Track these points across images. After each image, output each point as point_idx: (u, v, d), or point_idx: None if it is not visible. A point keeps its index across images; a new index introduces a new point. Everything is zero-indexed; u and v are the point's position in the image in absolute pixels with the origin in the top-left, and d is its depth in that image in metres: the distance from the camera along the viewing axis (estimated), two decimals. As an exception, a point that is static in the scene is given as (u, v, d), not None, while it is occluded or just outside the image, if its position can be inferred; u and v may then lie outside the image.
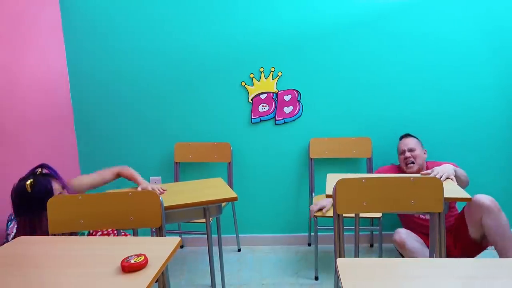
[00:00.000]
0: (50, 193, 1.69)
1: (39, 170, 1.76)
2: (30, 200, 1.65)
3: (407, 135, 2.46)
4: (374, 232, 2.81)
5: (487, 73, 2.60)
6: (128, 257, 1.09)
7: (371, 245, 2.83)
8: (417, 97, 2.65)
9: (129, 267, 1.05)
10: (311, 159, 2.70)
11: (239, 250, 2.83)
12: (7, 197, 2.12)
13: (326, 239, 2.79)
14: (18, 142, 2.22)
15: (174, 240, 1.26)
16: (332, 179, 1.89)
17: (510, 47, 2.56)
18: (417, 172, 2.30)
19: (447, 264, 1.14)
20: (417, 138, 2.44)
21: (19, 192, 1.67)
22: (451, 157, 2.65)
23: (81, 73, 2.73)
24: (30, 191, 1.66)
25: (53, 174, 1.79)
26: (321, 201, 2.30)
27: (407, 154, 2.34)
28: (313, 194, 2.71)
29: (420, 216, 2.30)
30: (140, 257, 1.09)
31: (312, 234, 2.81)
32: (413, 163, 2.32)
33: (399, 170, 2.42)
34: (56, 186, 1.74)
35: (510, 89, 2.61)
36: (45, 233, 1.53)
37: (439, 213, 1.62)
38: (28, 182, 1.67)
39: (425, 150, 2.42)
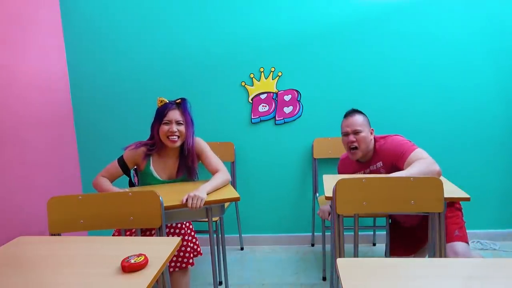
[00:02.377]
0: (162, 116, 1.93)
1: (179, 99, 1.99)
2: (156, 111, 1.99)
3: (353, 112, 2.12)
4: (376, 231, 2.81)
5: (488, 73, 2.60)
6: (128, 257, 1.09)
7: (374, 244, 2.83)
8: (419, 96, 2.65)
9: (129, 267, 1.05)
10: (315, 159, 2.70)
11: (242, 248, 2.83)
12: (7, 197, 2.13)
13: (329, 240, 2.78)
14: (18, 142, 2.22)
15: (174, 240, 1.27)
16: (328, 180, 1.89)
17: (510, 49, 2.57)
18: (361, 157, 2.10)
19: (447, 264, 1.14)
20: (364, 115, 2.13)
21: None
22: (451, 157, 2.65)
23: (81, 73, 2.73)
24: (158, 105, 1.99)
25: (183, 108, 1.96)
26: (327, 206, 2.19)
27: (351, 137, 2.05)
28: (317, 195, 2.71)
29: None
30: (140, 257, 1.09)
31: (316, 234, 2.81)
32: (356, 148, 2.05)
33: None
34: (174, 114, 1.93)
35: (510, 90, 2.61)
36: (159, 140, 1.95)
37: (439, 213, 1.62)
38: (162, 99, 1.98)
39: (372, 129, 2.13)
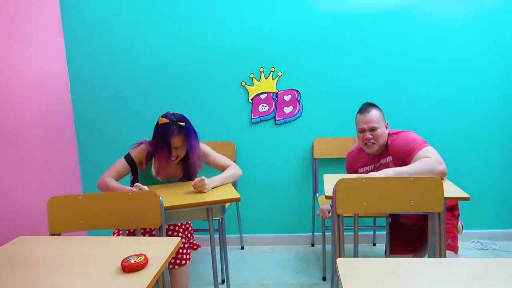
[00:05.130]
0: (166, 144, 1.87)
1: (182, 122, 1.92)
2: (155, 130, 1.93)
3: (369, 107, 2.09)
4: (376, 232, 2.81)
5: (489, 73, 2.60)
6: (128, 257, 1.09)
7: (374, 244, 2.83)
8: (419, 97, 2.65)
9: (129, 267, 1.06)
10: (315, 159, 2.70)
11: (242, 248, 2.83)
12: (7, 196, 2.13)
13: (329, 239, 2.79)
14: (17, 142, 2.22)
15: (174, 240, 1.27)
16: (328, 180, 1.89)
17: (509, 49, 2.57)
18: (376, 151, 2.10)
19: (447, 264, 1.15)
20: (379, 109, 2.11)
21: (157, 122, 1.93)
22: (451, 157, 2.64)
23: (81, 73, 2.73)
24: (159, 124, 1.90)
25: (185, 134, 1.90)
26: (327, 205, 2.23)
27: (368, 135, 2.04)
28: (317, 194, 2.71)
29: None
30: (140, 257, 1.09)
31: (316, 234, 2.81)
32: (373, 143, 2.05)
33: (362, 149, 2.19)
34: (178, 142, 1.89)
35: (509, 90, 2.61)
36: (163, 165, 1.92)
37: (439, 213, 1.62)
38: (164, 119, 1.89)
39: (387, 123, 2.12)
